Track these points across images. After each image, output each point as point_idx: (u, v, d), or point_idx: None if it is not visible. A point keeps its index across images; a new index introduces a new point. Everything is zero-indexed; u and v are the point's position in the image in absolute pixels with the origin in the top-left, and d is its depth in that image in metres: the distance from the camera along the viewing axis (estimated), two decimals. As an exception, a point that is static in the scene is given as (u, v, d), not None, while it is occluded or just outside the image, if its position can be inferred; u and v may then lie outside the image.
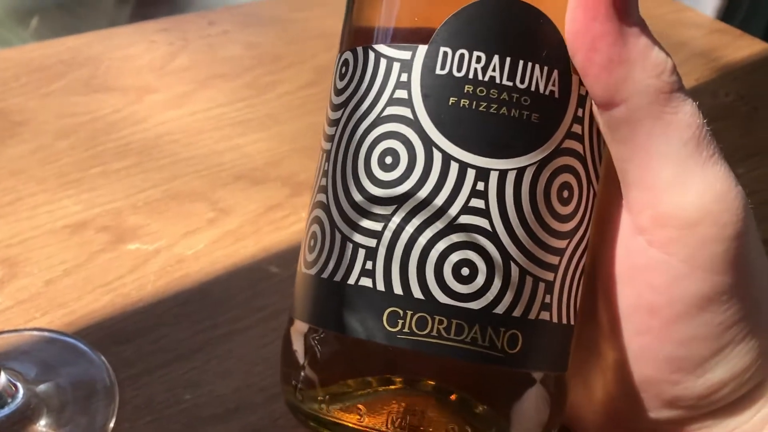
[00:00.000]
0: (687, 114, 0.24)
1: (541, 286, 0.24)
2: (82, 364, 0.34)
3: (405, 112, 0.24)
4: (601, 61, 0.23)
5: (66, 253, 0.39)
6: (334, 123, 0.26)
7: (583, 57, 0.24)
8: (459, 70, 0.24)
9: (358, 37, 0.26)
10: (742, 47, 0.62)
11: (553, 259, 0.24)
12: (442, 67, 0.24)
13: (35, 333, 0.35)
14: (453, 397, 0.24)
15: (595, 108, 0.25)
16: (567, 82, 0.24)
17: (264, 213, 0.43)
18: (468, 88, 0.24)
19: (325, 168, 0.26)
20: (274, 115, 0.51)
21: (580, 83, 0.24)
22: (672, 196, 0.24)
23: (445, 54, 0.24)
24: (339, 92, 0.26)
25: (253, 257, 0.40)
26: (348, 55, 0.26)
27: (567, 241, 0.25)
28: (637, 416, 0.27)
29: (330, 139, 0.26)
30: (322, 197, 0.26)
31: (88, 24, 0.96)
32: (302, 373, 0.26)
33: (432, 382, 0.24)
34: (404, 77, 0.24)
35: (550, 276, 0.24)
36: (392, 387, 0.24)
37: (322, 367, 0.25)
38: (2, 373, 0.31)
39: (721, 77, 0.59)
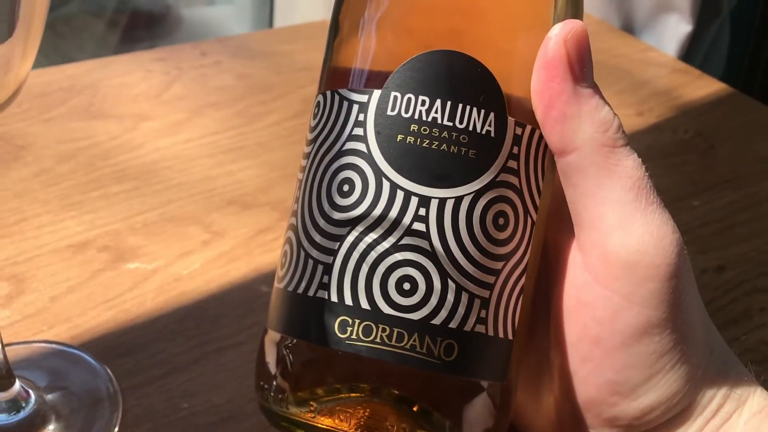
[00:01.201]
0: (629, 167, 0.27)
1: (477, 301, 0.27)
2: (87, 374, 0.37)
3: (360, 146, 0.27)
4: (557, 115, 0.27)
5: (70, 271, 0.42)
6: (306, 156, 0.30)
7: (541, 111, 0.27)
8: (407, 111, 0.27)
9: (328, 82, 0.30)
10: (701, 87, 0.66)
11: (489, 278, 0.27)
12: (393, 109, 0.27)
13: (43, 345, 0.38)
14: (415, 408, 0.27)
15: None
16: (503, 123, 0.27)
17: (255, 236, 0.46)
18: (413, 126, 0.27)
19: (297, 195, 0.30)
20: (264, 144, 0.54)
21: (516, 124, 0.28)
22: (616, 238, 0.27)
23: (395, 97, 0.27)
24: (311, 130, 0.30)
25: (245, 277, 0.43)
26: (320, 98, 0.30)
27: (503, 263, 0.28)
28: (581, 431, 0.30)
29: (303, 170, 0.30)
30: (293, 220, 0.30)
31: (77, 46, 0.99)
32: (274, 381, 0.29)
33: (387, 389, 0.27)
34: (361, 117, 0.28)
35: (485, 293, 0.27)
36: (352, 394, 0.27)
37: (292, 374, 0.28)
38: (17, 381, 0.34)
39: (681, 114, 0.63)
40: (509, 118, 0.28)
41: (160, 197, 0.48)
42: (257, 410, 0.36)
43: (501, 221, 0.28)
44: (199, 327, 0.40)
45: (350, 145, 0.28)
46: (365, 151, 0.27)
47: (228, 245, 0.45)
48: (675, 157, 0.58)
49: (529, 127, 0.28)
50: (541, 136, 0.28)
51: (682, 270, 0.27)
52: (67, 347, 0.38)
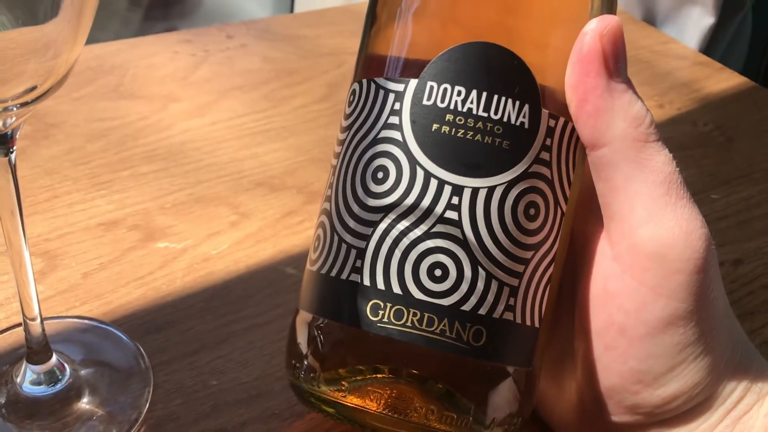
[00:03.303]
0: (660, 162, 0.28)
1: (506, 289, 0.28)
2: (119, 349, 0.38)
3: (396, 135, 0.28)
4: (590, 110, 0.28)
5: (101, 249, 0.43)
6: (341, 143, 0.30)
7: (575, 105, 0.28)
8: (442, 101, 0.28)
9: (364, 71, 0.31)
10: (722, 80, 0.67)
11: (519, 267, 0.28)
12: (428, 98, 0.28)
13: (76, 320, 0.39)
14: (436, 384, 0.28)
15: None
16: (536, 115, 0.28)
17: (281, 218, 0.47)
18: (449, 116, 0.28)
19: (331, 181, 0.30)
20: (290, 127, 0.55)
21: (550, 116, 0.28)
22: (646, 231, 0.28)
23: (432, 87, 0.28)
24: (347, 117, 0.30)
25: (272, 258, 0.44)
26: (356, 86, 0.30)
27: (532, 253, 0.28)
28: (602, 418, 0.31)
29: (337, 156, 0.30)
30: (326, 205, 0.30)
31: (100, 25, 0.99)
32: (305, 360, 0.30)
33: (415, 372, 0.28)
34: (397, 105, 0.28)
35: (514, 281, 0.28)
36: (380, 375, 0.28)
37: (322, 354, 0.29)
38: (53, 354, 0.35)
39: (701, 108, 0.63)
40: (543, 110, 0.28)
41: (189, 178, 0.49)
42: (284, 388, 0.37)
43: (532, 211, 0.28)
44: (227, 306, 0.41)
45: (385, 133, 0.28)
46: (400, 139, 0.28)
47: (255, 226, 0.46)
48: (694, 150, 0.58)
49: (562, 120, 0.29)
50: (573, 129, 0.29)
51: (710, 264, 0.28)
52: (99, 323, 0.39)
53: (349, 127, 0.30)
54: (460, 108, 0.28)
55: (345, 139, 0.30)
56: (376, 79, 0.29)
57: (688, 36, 0.74)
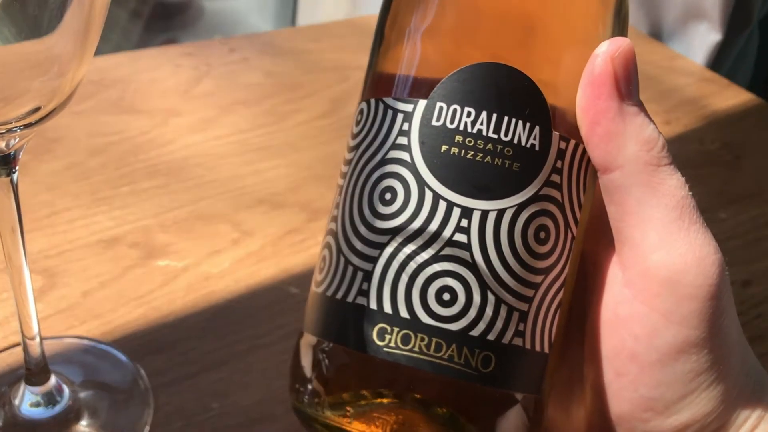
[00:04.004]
0: (672, 186, 0.27)
1: (515, 314, 0.27)
2: (119, 370, 0.37)
3: (404, 156, 0.28)
4: (602, 133, 0.27)
5: (100, 267, 0.42)
6: (348, 163, 0.30)
7: (586, 128, 0.28)
8: (452, 122, 0.27)
9: (372, 90, 0.30)
10: (729, 97, 0.66)
11: (528, 292, 0.28)
12: (438, 119, 0.27)
13: (76, 340, 0.38)
14: (442, 410, 0.28)
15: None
16: (547, 137, 0.27)
17: (283, 236, 0.46)
18: (458, 138, 0.27)
19: (338, 201, 0.30)
20: (292, 143, 0.54)
21: (560, 138, 0.28)
22: (658, 256, 0.27)
23: (441, 108, 0.27)
24: (354, 136, 0.30)
25: (274, 278, 0.43)
26: (363, 105, 0.30)
27: (542, 277, 0.28)
28: None
29: (344, 176, 0.30)
30: (333, 225, 0.30)
31: (101, 36, 0.99)
32: (309, 384, 0.29)
33: (422, 397, 0.27)
34: (405, 126, 0.28)
35: (524, 306, 0.27)
36: (385, 401, 0.28)
37: (327, 377, 0.29)
38: (53, 375, 0.34)
39: (708, 125, 0.63)
40: (554, 132, 0.28)
41: (190, 194, 0.48)
42: (286, 412, 0.37)
43: (542, 235, 0.28)
44: (229, 326, 0.40)
45: (393, 153, 0.28)
46: (408, 160, 0.27)
47: (257, 245, 0.45)
48: (701, 169, 0.58)
49: (573, 142, 0.28)
50: (584, 151, 0.28)
51: (723, 290, 0.27)
52: (99, 343, 0.38)
53: (356, 147, 0.29)
54: (469, 129, 0.27)
55: (352, 159, 0.29)
56: (385, 98, 0.29)
57: (694, 52, 0.73)
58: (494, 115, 0.27)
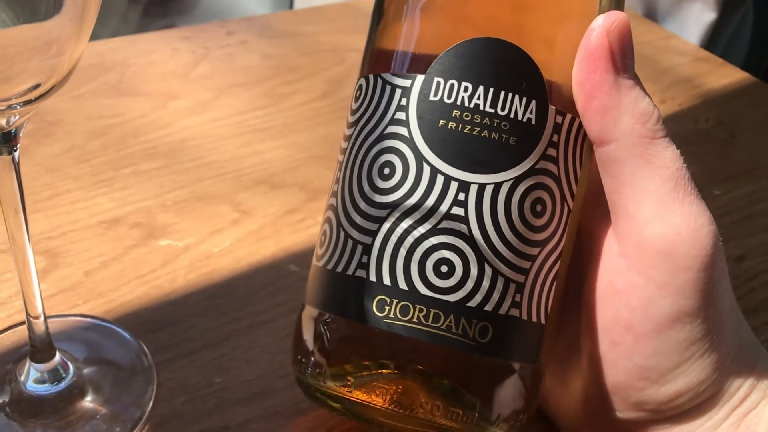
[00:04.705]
0: (667, 158, 0.28)
1: (512, 286, 0.28)
2: (122, 347, 0.38)
3: (402, 131, 0.28)
4: (597, 106, 0.28)
5: (102, 247, 0.43)
6: (347, 138, 0.30)
7: (582, 101, 0.28)
8: (449, 97, 0.28)
9: (371, 66, 0.31)
10: (723, 75, 0.67)
11: (525, 264, 0.28)
12: (435, 94, 0.28)
13: (79, 318, 0.39)
14: (442, 381, 0.28)
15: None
16: (543, 112, 0.28)
17: (283, 216, 0.47)
18: (455, 112, 0.28)
19: (338, 176, 0.30)
20: (290, 124, 0.55)
21: (557, 113, 0.28)
22: (653, 228, 0.28)
23: (438, 83, 0.28)
24: (353, 113, 0.30)
25: (274, 256, 0.44)
26: (362, 81, 0.30)
27: (539, 249, 0.28)
28: (608, 415, 0.31)
29: (343, 152, 0.30)
30: (333, 201, 0.30)
31: (99, 21, 0.99)
32: (312, 356, 0.30)
33: (422, 368, 0.28)
34: (404, 101, 0.28)
35: (521, 278, 0.28)
36: (386, 371, 0.28)
37: (329, 350, 0.29)
38: (57, 353, 0.35)
39: (703, 103, 0.63)
40: (550, 106, 0.28)
41: (190, 175, 0.49)
42: (287, 386, 0.37)
43: (539, 208, 0.28)
44: (230, 304, 0.41)
45: (392, 129, 0.28)
46: (407, 135, 0.28)
47: (257, 224, 0.46)
48: (696, 146, 0.58)
49: (569, 116, 0.29)
50: (580, 125, 0.29)
51: (717, 260, 0.28)
52: (102, 321, 0.39)
53: (355, 123, 0.30)
54: (466, 104, 0.27)
55: (351, 135, 0.30)
56: (383, 74, 0.29)
57: (689, 31, 0.74)
58: (491, 90, 0.27)
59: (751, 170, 0.56)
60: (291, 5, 1.10)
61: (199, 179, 0.48)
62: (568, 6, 0.29)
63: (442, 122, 0.28)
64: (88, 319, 0.39)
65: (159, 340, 0.39)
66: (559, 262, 0.29)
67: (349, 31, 0.67)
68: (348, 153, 0.30)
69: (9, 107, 0.26)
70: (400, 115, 0.28)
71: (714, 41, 0.74)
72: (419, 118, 0.28)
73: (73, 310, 0.39)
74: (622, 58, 0.28)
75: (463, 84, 0.28)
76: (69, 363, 0.35)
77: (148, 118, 0.53)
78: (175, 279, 0.42)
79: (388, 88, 0.29)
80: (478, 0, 0.29)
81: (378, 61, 0.30)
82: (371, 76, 0.30)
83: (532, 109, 0.28)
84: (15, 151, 0.28)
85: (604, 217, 0.30)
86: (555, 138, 0.28)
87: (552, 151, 0.28)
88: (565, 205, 0.29)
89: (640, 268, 0.28)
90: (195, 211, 0.46)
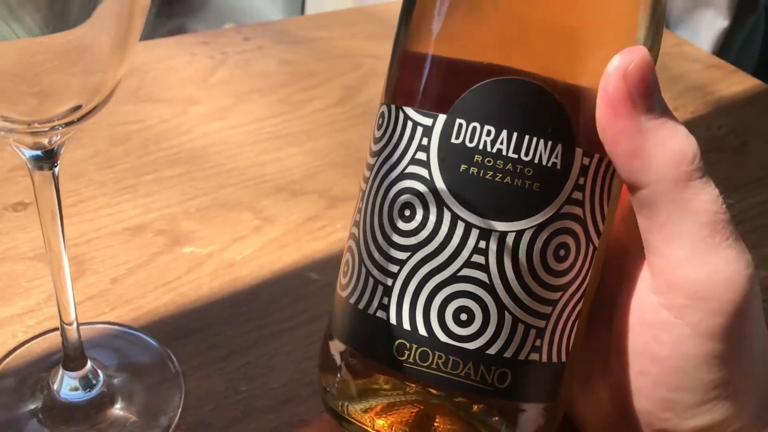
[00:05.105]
0: (704, 201, 0.27)
1: (532, 332, 0.27)
2: (150, 355, 0.38)
3: (423, 172, 0.27)
4: (624, 153, 0.26)
5: (128, 254, 0.44)
6: (370, 168, 0.29)
7: (608, 147, 0.27)
8: (471, 140, 0.26)
9: (393, 94, 0.29)
10: (736, 83, 0.67)
11: (546, 309, 0.27)
12: (457, 137, 0.27)
13: (107, 326, 0.39)
14: (462, 418, 0.28)
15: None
16: (570, 155, 0.27)
17: (303, 223, 0.47)
18: (477, 157, 0.26)
19: (360, 206, 0.30)
20: (308, 131, 0.55)
21: (584, 154, 0.27)
22: (686, 271, 0.27)
23: (460, 125, 0.27)
24: (376, 141, 0.29)
25: (296, 264, 0.45)
26: (384, 109, 0.29)
27: (561, 293, 0.28)
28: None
29: (366, 180, 0.30)
30: (355, 230, 0.30)
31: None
32: (335, 384, 0.30)
33: (441, 407, 0.28)
34: (425, 141, 0.27)
35: (541, 323, 0.28)
36: (406, 407, 0.29)
37: (352, 380, 0.30)
38: (88, 360, 0.35)
39: (715, 111, 0.64)
40: (577, 149, 0.27)
41: (212, 182, 0.49)
42: (312, 394, 0.38)
43: (562, 253, 0.27)
44: (254, 311, 0.42)
45: (413, 168, 0.28)
46: (427, 177, 0.27)
47: (278, 231, 0.46)
48: (709, 154, 0.59)
49: (597, 156, 0.27)
50: (609, 163, 0.28)
51: (751, 306, 0.27)
52: (129, 329, 0.39)
53: (377, 154, 0.29)
54: (489, 149, 0.26)
55: (373, 166, 0.29)
56: (405, 108, 0.28)
57: (701, 38, 0.74)
58: (515, 135, 0.26)
59: (764, 178, 0.57)
60: (303, 5, 1.11)
61: (221, 186, 0.49)
62: (598, 44, 0.27)
63: (463, 167, 0.27)
64: (116, 327, 0.39)
65: (185, 348, 0.39)
66: (582, 301, 0.29)
67: (364, 36, 0.67)
68: (370, 186, 0.29)
69: (51, 128, 0.26)
70: (421, 155, 0.27)
71: (726, 48, 0.75)
72: (440, 160, 0.27)
73: (101, 317, 0.40)
74: (645, 99, 0.26)
75: (486, 127, 0.26)
76: (99, 371, 0.36)
77: (169, 124, 0.53)
78: (200, 286, 0.42)
79: (410, 124, 0.28)
80: (503, 39, 0.27)
81: (400, 91, 0.29)
82: (393, 108, 0.29)
83: (557, 154, 0.26)
84: (55, 166, 0.29)
85: (639, 242, 0.29)
86: (581, 180, 0.27)
87: (578, 194, 0.27)
88: (591, 245, 0.28)
89: (671, 306, 0.28)
90: (217, 218, 0.47)
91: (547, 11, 0.27)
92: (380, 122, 0.29)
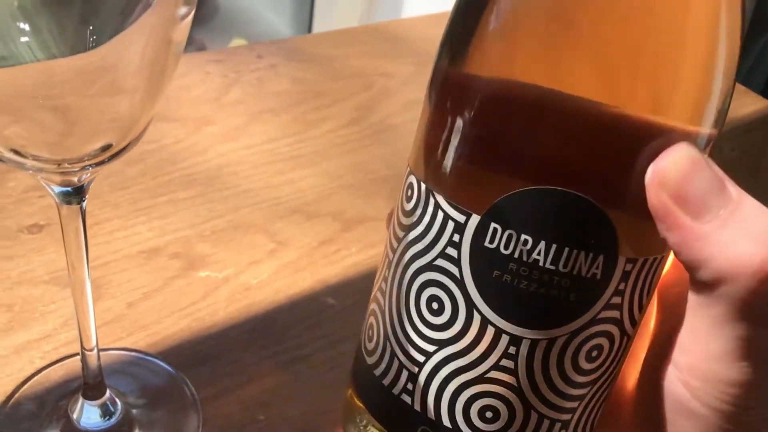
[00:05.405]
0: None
1: (557, 425, 0.27)
2: (167, 382, 0.38)
3: (453, 269, 0.26)
4: (687, 261, 0.24)
5: (143, 278, 0.44)
6: (398, 240, 0.28)
7: (674, 253, 0.24)
8: (506, 248, 0.25)
9: (424, 169, 0.27)
10: (747, 104, 0.67)
11: (572, 405, 0.27)
12: (491, 242, 0.25)
13: (124, 353, 0.39)
14: None
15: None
16: (612, 264, 0.25)
17: (318, 247, 0.47)
18: (512, 266, 0.25)
19: (386, 274, 0.29)
20: (321, 152, 0.55)
21: (627, 261, 0.25)
22: (715, 366, 0.25)
23: (495, 230, 0.25)
24: (405, 214, 0.28)
25: (311, 288, 0.45)
26: (413, 181, 0.27)
27: (588, 389, 0.27)
28: None
29: (393, 251, 0.28)
30: (379, 297, 0.29)
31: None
32: None
33: None
34: (456, 237, 0.26)
35: (567, 417, 0.27)
36: None
37: None
38: (107, 389, 0.35)
39: (727, 132, 0.64)
40: (620, 257, 0.25)
41: (227, 204, 0.49)
42: (330, 423, 0.38)
43: (594, 354, 0.26)
44: (270, 337, 0.42)
45: (442, 263, 0.26)
46: (458, 276, 0.26)
47: (293, 255, 0.46)
48: (721, 176, 0.59)
49: (640, 260, 0.25)
50: (652, 263, 0.26)
51: None
52: (146, 355, 0.39)
53: (406, 230, 0.27)
54: (525, 258, 0.25)
55: (402, 240, 0.28)
56: (437, 195, 0.26)
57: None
58: (553, 246, 0.24)
59: (776, 202, 0.57)
60: (311, 18, 1.11)
61: (236, 208, 0.49)
62: (649, 150, 0.24)
63: (496, 273, 0.25)
64: (133, 353, 0.39)
65: (202, 375, 0.39)
66: (611, 384, 0.28)
67: (376, 55, 0.67)
68: (396, 262, 0.28)
69: (82, 168, 0.26)
70: (452, 252, 0.26)
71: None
72: (472, 262, 0.26)
73: (118, 343, 0.40)
74: (693, 205, 0.23)
75: (523, 237, 0.25)
76: (117, 398, 0.36)
77: (183, 144, 0.53)
78: (216, 312, 0.42)
79: (441, 215, 0.26)
80: (545, 143, 0.24)
81: (431, 170, 0.27)
82: (424, 189, 0.27)
83: (598, 265, 0.25)
84: (83, 201, 0.29)
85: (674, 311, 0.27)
86: (621, 286, 0.25)
87: (616, 300, 0.26)
88: (626, 338, 0.27)
89: (693, 389, 0.26)
90: (233, 241, 0.47)
91: (582, 121, 0.24)
92: (409, 194, 0.28)
